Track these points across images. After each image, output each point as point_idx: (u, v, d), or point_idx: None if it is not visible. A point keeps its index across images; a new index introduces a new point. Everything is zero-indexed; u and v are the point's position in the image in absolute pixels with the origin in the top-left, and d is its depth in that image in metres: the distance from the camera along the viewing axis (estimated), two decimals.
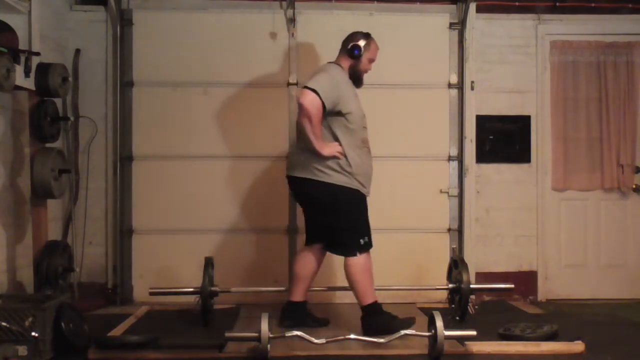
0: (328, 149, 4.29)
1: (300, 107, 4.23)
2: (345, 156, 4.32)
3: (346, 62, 4.51)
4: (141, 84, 5.68)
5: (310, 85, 4.26)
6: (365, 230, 4.40)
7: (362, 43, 4.48)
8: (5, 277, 4.40)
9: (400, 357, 3.92)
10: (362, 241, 4.35)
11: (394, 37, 5.74)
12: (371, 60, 4.57)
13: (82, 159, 5.58)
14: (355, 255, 4.33)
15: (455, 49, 5.82)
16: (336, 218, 4.36)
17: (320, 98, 4.19)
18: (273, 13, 5.68)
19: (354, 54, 4.46)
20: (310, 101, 4.18)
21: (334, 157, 4.30)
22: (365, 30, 4.45)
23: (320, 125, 4.27)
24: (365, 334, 4.13)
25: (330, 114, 4.30)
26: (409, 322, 4.28)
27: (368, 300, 4.35)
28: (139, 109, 5.68)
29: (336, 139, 4.34)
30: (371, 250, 4.31)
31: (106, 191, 5.63)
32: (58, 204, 5.36)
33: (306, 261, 4.59)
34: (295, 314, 4.54)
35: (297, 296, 4.60)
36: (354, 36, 4.53)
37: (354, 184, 4.36)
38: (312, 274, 4.61)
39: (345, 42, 4.53)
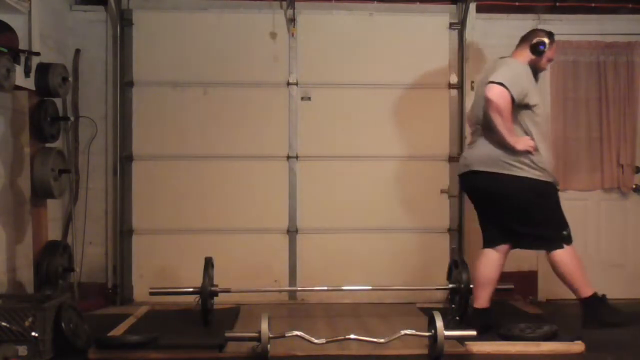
0: (522, 143, 4.17)
1: (489, 102, 4.11)
2: (537, 150, 4.22)
3: (524, 58, 4.36)
4: (141, 83, 5.68)
5: (495, 79, 4.13)
6: (566, 223, 4.29)
7: (547, 40, 4.33)
8: (5, 277, 4.40)
9: (400, 357, 3.91)
10: (565, 232, 4.26)
11: (393, 37, 5.74)
12: (549, 60, 4.45)
13: (82, 159, 5.58)
14: (562, 247, 4.24)
15: (455, 49, 5.83)
16: (538, 212, 4.25)
17: (508, 90, 4.09)
18: (273, 13, 5.68)
19: (538, 49, 4.32)
20: (499, 94, 4.07)
21: (527, 152, 4.19)
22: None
23: (511, 118, 4.15)
24: (586, 326, 4.18)
25: (519, 107, 4.19)
26: (627, 318, 4.15)
27: (587, 291, 4.25)
28: (139, 109, 5.68)
29: (526, 133, 4.23)
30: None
31: (106, 191, 5.63)
32: (58, 204, 5.36)
33: (493, 264, 4.38)
34: (487, 319, 4.39)
35: (485, 302, 4.42)
36: (537, 32, 4.41)
37: (549, 177, 4.27)
38: (498, 277, 4.41)
39: (527, 37, 4.40)
